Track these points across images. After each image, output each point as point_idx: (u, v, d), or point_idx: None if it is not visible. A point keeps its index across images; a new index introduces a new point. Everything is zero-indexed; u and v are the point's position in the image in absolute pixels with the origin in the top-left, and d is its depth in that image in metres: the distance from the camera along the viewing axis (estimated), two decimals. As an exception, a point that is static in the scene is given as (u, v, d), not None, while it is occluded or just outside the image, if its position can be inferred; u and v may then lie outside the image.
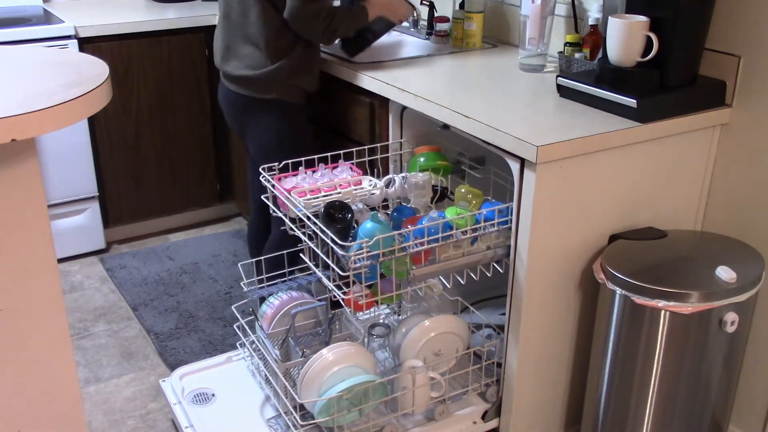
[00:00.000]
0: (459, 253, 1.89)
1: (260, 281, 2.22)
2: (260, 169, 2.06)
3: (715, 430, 1.90)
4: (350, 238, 1.85)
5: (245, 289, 2.21)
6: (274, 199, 2.04)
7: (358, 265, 1.76)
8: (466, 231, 1.85)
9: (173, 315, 2.84)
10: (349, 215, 1.84)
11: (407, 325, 2.09)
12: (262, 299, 2.23)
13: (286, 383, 1.98)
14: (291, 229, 2.01)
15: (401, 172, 2.27)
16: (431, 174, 2.14)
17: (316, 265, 1.95)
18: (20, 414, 1.57)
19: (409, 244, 1.80)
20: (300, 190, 1.94)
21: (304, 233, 1.95)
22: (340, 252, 1.75)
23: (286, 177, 2.03)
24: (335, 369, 1.91)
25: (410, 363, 2.02)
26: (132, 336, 2.73)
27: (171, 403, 2.18)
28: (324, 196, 1.95)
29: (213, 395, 2.20)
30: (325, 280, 1.92)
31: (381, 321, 2.34)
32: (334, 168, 2.09)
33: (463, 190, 2.00)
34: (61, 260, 3.18)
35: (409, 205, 2.11)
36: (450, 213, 1.85)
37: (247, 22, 2.24)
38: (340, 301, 1.88)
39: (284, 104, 2.28)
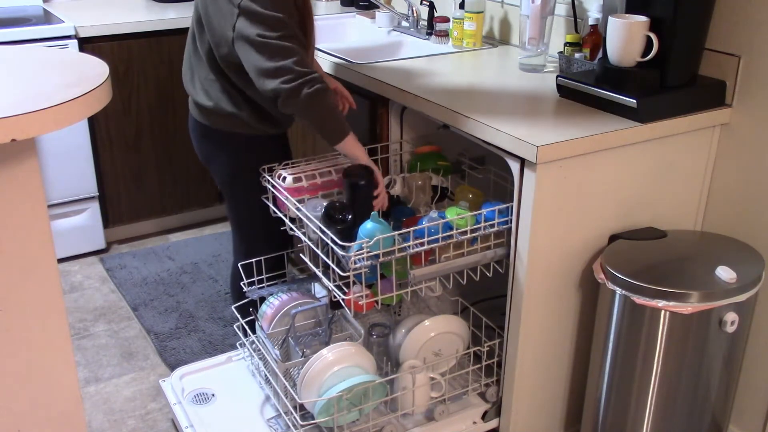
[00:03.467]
0: (459, 253, 1.89)
1: (260, 281, 2.22)
2: (260, 170, 2.05)
3: (715, 430, 1.90)
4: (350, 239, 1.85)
5: (245, 289, 2.21)
6: (274, 199, 2.04)
7: (358, 265, 1.76)
8: (466, 231, 1.85)
9: (173, 315, 2.84)
10: (350, 216, 1.84)
11: (407, 325, 2.09)
12: (262, 299, 2.23)
13: (286, 383, 1.98)
14: (291, 229, 2.01)
15: (401, 172, 2.27)
16: (431, 174, 2.14)
17: (316, 266, 1.95)
18: (20, 414, 1.57)
19: (410, 244, 1.80)
20: (295, 185, 1.95)
21: (304, 233, 1.96)
22: (340, 252, 1.75)
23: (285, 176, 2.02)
24: (335, 369, 1.91)
25: (410, 363, 2.02)
26: (132, 336, 2.73)
27: (171, 403, 2.18)
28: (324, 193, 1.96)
29: (213, 395, 2.20)
30: (325, 281, 1.92)
31: (381, 321, 2.34)
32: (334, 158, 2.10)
33: (463, 190, 2.00)
34: (61, 260, 3.18)
35: (409, 206, 2.11)
36: (450, 213, 1.85)
37: (205, 51, 2.01)
38: (340, 301, 1.88)
39: (248, 137, 2.06)
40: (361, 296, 1.86)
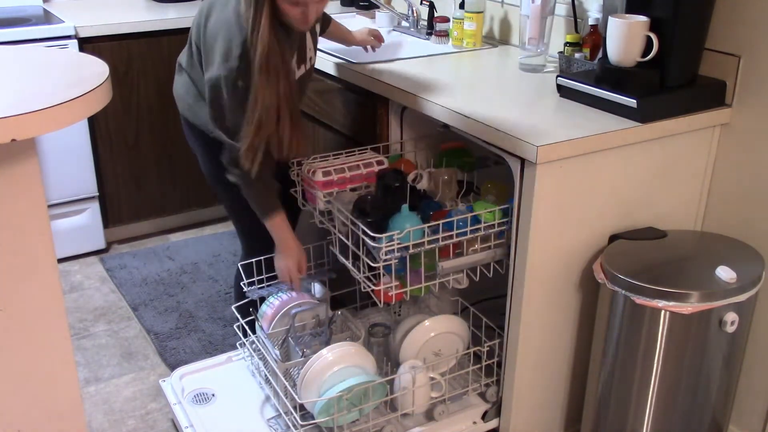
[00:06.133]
0: (486, 246, 1.93)
1: (260, 281, 2.22)
2: (287, 164, 2.06)
3: (715, 430, 1.90)
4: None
5: (245, 289, 2.21)
6: (303, 192, 2.07)
7: (388, 256, 1.78)
8: (493, 225, 1.87)
9: (173, 315, 2.84)
10: (380, 210, 1.87)
11: (407, 325, 2.09)
12: (262, 299, 2.23)
13: (286, 383, 1.98)
14: (320, 222, 2.03)
15: (428, 167, 2.27)
16: (457, 169, 2.16)
17: (345, 258, 1.97)
18: (20, 414, 1.57)
19: (438, 236, 1.83)
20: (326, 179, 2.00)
21: (333, 226, 1.98)
22: (371, 243, 1.76)
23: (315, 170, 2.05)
24: (335, 369, 1.91)
25: (410, 363, 2.02)
26: (132, 336, 2.73)
27: (171, 403, 2.18)
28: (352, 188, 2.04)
29: (213, 395, 2.20)
30: (354, 272, 1.93)
31: (381, 321, 2.34)
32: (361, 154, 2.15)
33: (488, 185, 2.03)
34: (61, 260, 3.18)
35: (435, 200, 2.12)
36: (478, 207, 1.88)
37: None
38: (370, 292, 1.91)
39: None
40: (391, 287, 1.87)
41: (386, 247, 1.77)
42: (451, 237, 1.84)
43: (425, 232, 1.83)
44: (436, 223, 1.84)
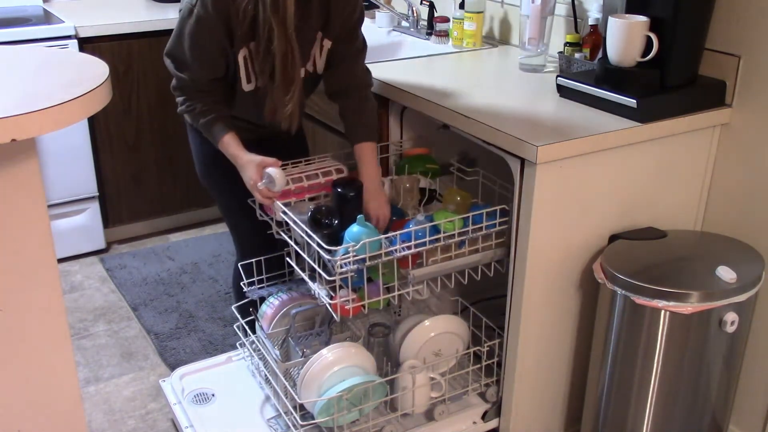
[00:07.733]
0: (446, 257, 1.88)
1: (260, 281, 2.22)
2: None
3: (715, 430, 1.90)
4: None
5: (245, 289, 2.20)
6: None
7: (344, 269, 1.75)
8: (453, 235, 1.84)
9: (173, 315, 2.84)
10: (336, 221, 1.83)
11: (407, 325, 2.09)
12: (262, 299, 2.23)
13: (286, 383, 1.98)
14: (277, 233, 1.99)
15: (389, 175, 2.26)
16: (419, 176, 2.13)
17: (303, 270, 1.94)
18: (20, 414, 1.57)
19: (396, 248, 1.79)
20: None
21: (290, 237, 1.94)
22: (326, 256, 1.74)
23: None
24: (335, 369, 1.91)
25: (410, 363, 2.02)
26: (132, 336, 2.73)
27: (171, 403, 2.18)
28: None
29: (213, 395, 2.20)
30: (312, 285, 1.90)
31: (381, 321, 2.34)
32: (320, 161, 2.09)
33: (451, 193, 2.00)
34: (61, 260, 3.18)
35: (397, 206, 2.10)
36: (438, 216, 1.84)
37: None
38: (327, 306, 1.87)
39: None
40: (348, 300, 1.84)
41: (341, 259, 1.73)
42: (409, 248, 1.79)
43: (382, 243, 1.77)
44: (393, 234, 1.79)
